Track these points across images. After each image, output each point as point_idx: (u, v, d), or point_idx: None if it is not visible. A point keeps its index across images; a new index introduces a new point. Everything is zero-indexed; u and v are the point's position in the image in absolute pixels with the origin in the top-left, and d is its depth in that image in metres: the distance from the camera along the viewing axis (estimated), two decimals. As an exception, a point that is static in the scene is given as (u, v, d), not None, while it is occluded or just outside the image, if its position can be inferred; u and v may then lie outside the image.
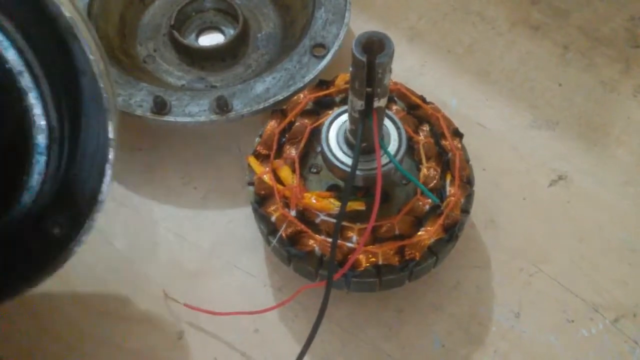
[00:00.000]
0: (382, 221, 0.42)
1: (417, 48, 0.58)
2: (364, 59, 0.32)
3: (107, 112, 0.33)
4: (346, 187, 0.37)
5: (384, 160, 0.38)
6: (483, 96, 0.56)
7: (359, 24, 0.57)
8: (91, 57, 0.31)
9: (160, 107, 0.48)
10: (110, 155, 0.34)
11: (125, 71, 0.51)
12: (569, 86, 0.57)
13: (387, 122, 0.41)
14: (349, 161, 0.41)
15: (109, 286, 0.48)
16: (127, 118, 0.49)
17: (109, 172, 0.35)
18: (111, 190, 0.51)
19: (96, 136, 0.34)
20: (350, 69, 0.34)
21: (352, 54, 0.32)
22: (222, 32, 0.58)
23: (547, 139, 0.54)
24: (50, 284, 0.47)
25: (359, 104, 0.35)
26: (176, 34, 0.55)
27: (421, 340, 0.46)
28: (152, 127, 0.52)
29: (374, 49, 0.32)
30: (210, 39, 0.58)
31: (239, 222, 0.51)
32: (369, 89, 0.34)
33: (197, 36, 0.58)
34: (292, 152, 0.45)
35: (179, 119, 0.48)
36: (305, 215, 0.43)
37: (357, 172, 0.39)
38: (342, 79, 0.48)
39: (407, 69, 0.57)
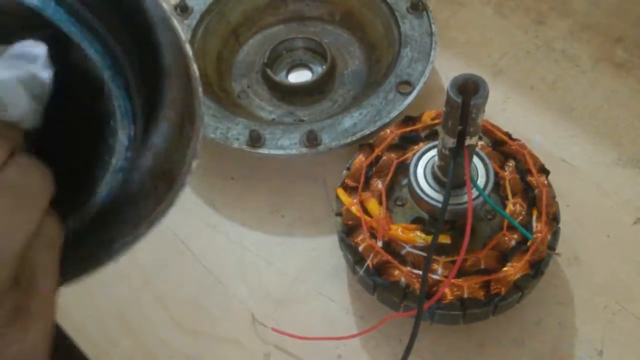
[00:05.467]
0: (467, 255, 0.43)
1: (500, 84, 0.59)
2: (459, 100, 0.34)
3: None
4: (438, 222, 0.39)
5: (473, 194, 0.40)
6: (566, 133, 0.57)
7: (443, 62, 0.59)
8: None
9: (255, 140, 0.51)
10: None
11: (223, 106, 0.54)
12: (655, 124, 0.56)
13: (474, 158, 0.42)
14: (435, 195, 0.42)
15: (201, 306, 0.51)
16: (223, 150, 0.52)
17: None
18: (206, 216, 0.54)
19: None
20: (444, 108, 0.35)
21: (447, 95, 0.34)
22: (310, 69, 0.61)
23: (631, 176, 0.54)
24: (147, 302, 0.51)
25: (451, 142, 0.37)
26: (269, 71, 0.58)
27: (503, 375, 0.46)
28: (245, 158, 0.55)
29: (469, 91, 0.34)
30: (299, 76, 0.61)
31: (323, 250, 0.53)
32: (461, 128, 0.36)
33: (287, 73, 0.61)
34: (379, 184, 0.47)
35: (272, 152, 0.51)
36: (391, 247, 0.44)
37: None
38: (428, 116, 0.49)
39: (490, 104, 0.57)
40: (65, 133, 0.29)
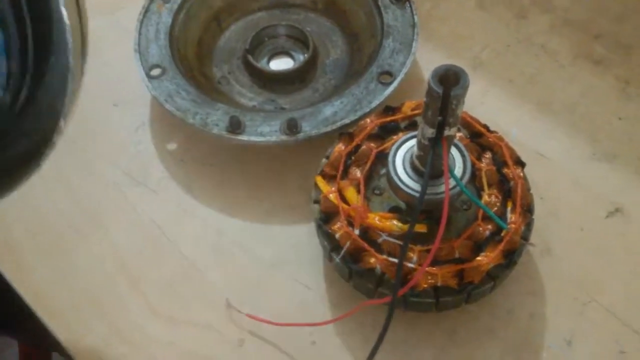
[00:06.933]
0: (442, 244, 0.43)
1: (480, 77, 0.60)
2: (439, 90, 0.34)
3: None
4: (415, 211, 0.39)
5: (450, 185, 0.40)
6: (543, 126, 0.57)
7: (424, 53, 0.59)
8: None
9: (235, 126, 0.51)
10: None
11: (202, 92, 0.54)
12: (629, 120, 0.57)
13: (452, 149, 0.42)
14: (413, 185, 0.42)
15: (176, 292, 0.51)
16: (202, 135, 0.52)
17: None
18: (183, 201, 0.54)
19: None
20: (425, 99, 0.36)
21: (428, 85, 0.34)
22: (292, 57, 0.61)
23: (606, 171, 0.55)
24: (122, 287, 0.51)
25: (430, 132, 0.37)
26: (250, 57, 0.58)
27: (473, 363, 0.47)
28: (224, 145, 0.55)
29: (450, 81, 0.34)
30: (280, 64, 0.61)
31: (300, 238, 0.53)
32: (440, 119, 0.36)
33: (269, 60, 0.61)
34: (358, 173, 0.47)
35: (252, 138, 0.51)
36: (368, 235, 0.45)
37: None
38: (409, 106, 0.50)
39: (469, 97, 0.58)
40: None
